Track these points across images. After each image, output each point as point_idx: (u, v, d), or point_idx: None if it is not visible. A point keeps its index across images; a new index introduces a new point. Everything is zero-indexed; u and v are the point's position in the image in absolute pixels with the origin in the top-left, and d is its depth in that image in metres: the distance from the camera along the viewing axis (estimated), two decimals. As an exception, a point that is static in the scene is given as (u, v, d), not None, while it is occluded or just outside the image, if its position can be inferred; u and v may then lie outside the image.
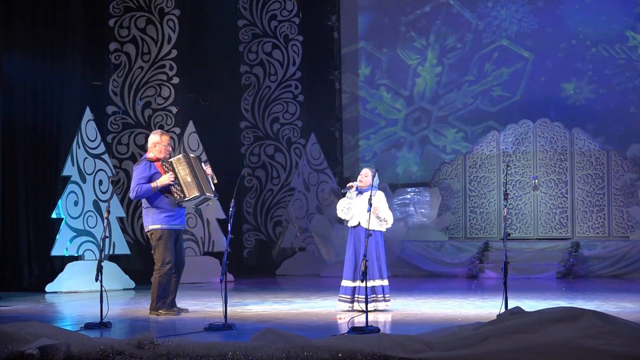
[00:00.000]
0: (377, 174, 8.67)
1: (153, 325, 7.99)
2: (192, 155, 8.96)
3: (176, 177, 8.61)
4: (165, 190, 8.64)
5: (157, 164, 8.72)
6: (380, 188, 8.91)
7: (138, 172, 8.64)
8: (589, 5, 15.87)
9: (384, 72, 17.07)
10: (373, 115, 16.89)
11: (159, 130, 9.04)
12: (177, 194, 8.59)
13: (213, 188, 9.03)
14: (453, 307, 9.28)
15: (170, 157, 8.81)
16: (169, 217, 8.68)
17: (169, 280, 8.72)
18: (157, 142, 8.76)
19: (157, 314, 8.63)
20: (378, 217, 8.60)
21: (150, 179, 8.61)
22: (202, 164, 9.05)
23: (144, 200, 8.74)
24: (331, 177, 15.88)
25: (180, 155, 8.80)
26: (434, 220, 15.44)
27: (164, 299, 8.74)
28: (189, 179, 8.61)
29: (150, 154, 8.79)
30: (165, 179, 8.59)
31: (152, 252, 8.82)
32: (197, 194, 8.61)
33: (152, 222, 8.68)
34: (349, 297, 8.70)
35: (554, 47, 15.98)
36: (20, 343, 5.57)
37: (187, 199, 8.61)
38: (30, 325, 6.07)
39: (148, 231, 8.79)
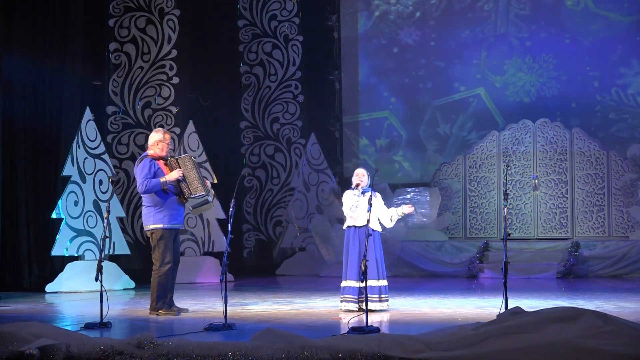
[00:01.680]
0: (370, 175, 8.79)
1: (153, 325, 7.99)
2: (193, 158, 9.02)
3: (183, 174, 8.68)
4: (171, 188, 8.66)
5: (159, 161, 8.75)
6: (380, 188, 8.94)
7: (143, 168, 8.65)
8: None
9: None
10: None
11: (161, 129, 9.06)
12: (186, 190, 8.67)
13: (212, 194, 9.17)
14: (453, 307, 9.28)
15: (173, 156, 8.88)
16: (171, 216, 8.70)
17: (168, 280, 8.73)
18: (160, 140, 8.79)
19: (157, 314, 8.64)
20: (391, 219, 8.75)
21: (154, 176, 8.63)
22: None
23: (145, 200, 8.74)
24: (331, 177, 15.87)
25: (186, 155, 8.88)
26: (434, 220, 15.43)
27: (164, 299, 8.74)
28: (194, 177, 8.70)
29: (150, 151, 8.81)
30: (174, 174, 8.64)
31: (152, 251, 8.83)
32: (203, 193, 8.72)
33: (154, 221, 8.69)
34: (355, 297, 8.68)
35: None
36: (20, 343, 5.57)
37: (193, 195, 8.71)
38: (30, 325, 6.07)
39: (148, 230, 8.79)
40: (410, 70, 16.92)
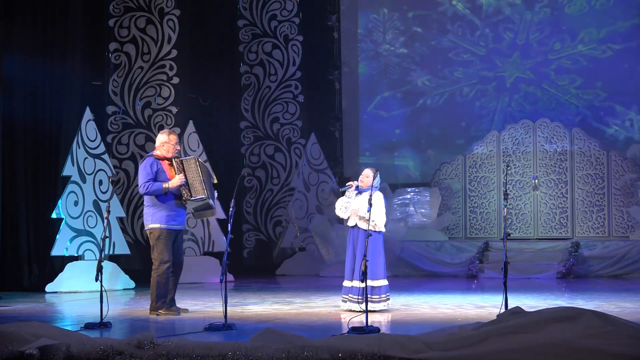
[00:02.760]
0: (378, 175, 8.67)
1: (153, 325, 7.99)
2: (200, 160, 9.00)
3: (185, 177, 8.66)
4: (174, 191, 8.67)
5: (163, 162, 8.75)
6: (380, 188, 8.90)
7: (145, 168, 8.69)
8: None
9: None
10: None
11: (167, 130, 9.08)
12: (185, 192, 8.65)
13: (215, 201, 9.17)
14: (453, 307, 9.28)
15: (179, 157, 8.86)
16: (170, 216, 8.70)
17: (167, 280, 8.73)
18: (165, 142, 8.81)
19: (157, 314, 8.64)
20: (365, 217, 8.56)
21: (155, 176, 8.64)
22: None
23: (145, 199, 8.77)
24: (331, 177, 15.87)
25: (192, 157, 8.86)
26: (434, 220, 15.43)
27: (164, 299, 8.75)
28: (197, 180, 8.68)
29: (157, 152, 8.83)
30: (176, 181, 8.64)
31: (151, 251, 8.84)
32: (203, 196, 8.68)
33: (152, 220, 8.70)
34: (345, 296, 8.75)
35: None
36: (20, 343, 5.57)
37: (193, 198, 8.68)
38: (30, 325, 6.07)
39: (147, 229, 8.81)
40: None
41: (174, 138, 8.87)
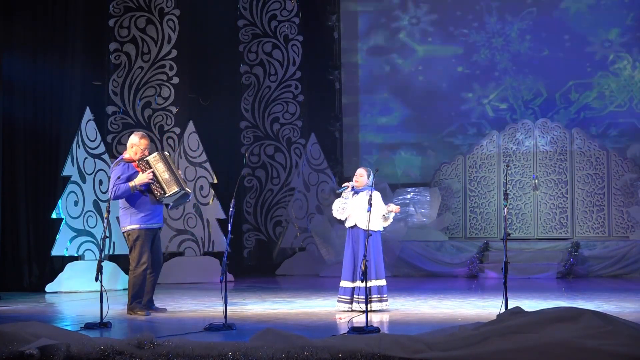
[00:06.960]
0: (372, 174, 8.70)
1: (153, 325, 7.99)
2: (166, 152, 8.96)
3: (154, 175, 8.62)
4: (145, 189, 8.63)
5: (134, 164, 8.73)
6: (380, 188, 8.91)
7: (116, 173, 8.67)
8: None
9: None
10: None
11: (140, 133, 9.01)
12: (157, 191, 8.62)
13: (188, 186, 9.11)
14: (453, 307, 9.28)
15: (143, 157, 8.80)
16: (147, 216, 8.68)
17: (143, 281, 8.73)
18: (134, 144, 8.77)
19: (132, 314, 8.65)
20: (384, 216, 8.60)
21: (129, 179, 8.61)
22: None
23: (121, 201, 8.73)
24: (331, 177, 15.87)
25: (156, 153, 8.83)
26: (434, 220, 15.43)
27: (139, 299, 8.74)
28: (166, 175, 8.64)
29: (126, 155, 8.79)
30: (144, 177, 8.60)
31: (129, 252, 8.83)
32: (177, 189, 8.65)
33: (130, 222, 8.69)
34: (348, 297, 8.71)
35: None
36: (20, 343, 5.57)
37: (167, 195, 8.64)
38: (30, 325, 6.08)
39: (125, 232, 8.79)
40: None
41: (144, 143, 8.81)
